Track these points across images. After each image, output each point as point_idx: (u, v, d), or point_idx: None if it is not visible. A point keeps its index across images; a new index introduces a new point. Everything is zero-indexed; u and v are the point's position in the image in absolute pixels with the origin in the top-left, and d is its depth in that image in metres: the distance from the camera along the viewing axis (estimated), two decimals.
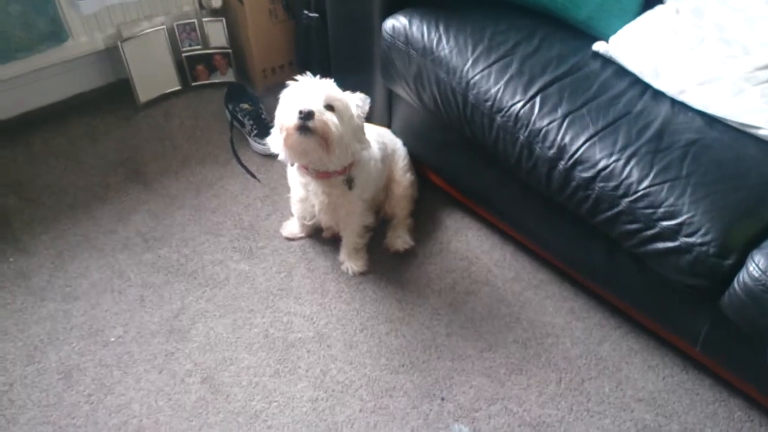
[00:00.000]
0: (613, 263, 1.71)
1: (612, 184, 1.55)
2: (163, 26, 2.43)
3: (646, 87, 1.72)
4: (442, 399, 1.74)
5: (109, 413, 1.68)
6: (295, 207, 2.00)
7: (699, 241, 1.44)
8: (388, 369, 1.80)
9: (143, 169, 2.28)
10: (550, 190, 1.68)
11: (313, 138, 1.60)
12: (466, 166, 2.00)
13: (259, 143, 2.29)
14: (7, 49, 2.13)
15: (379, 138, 1.96)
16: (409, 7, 1.90)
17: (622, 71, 1.76)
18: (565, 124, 1.63)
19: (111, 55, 2.43)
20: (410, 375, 1.79)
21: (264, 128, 2.30)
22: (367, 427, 1.68)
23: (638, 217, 1.52)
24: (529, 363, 1.82)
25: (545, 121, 1.65)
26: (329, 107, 1.61)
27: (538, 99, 1.68)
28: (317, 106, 1.59)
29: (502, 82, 1.72)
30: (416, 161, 2.14)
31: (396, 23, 1.88)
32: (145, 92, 2.48)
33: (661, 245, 1.51)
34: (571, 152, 1.60)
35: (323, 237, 2.09)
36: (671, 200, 1.48)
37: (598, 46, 1.79)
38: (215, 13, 2.52)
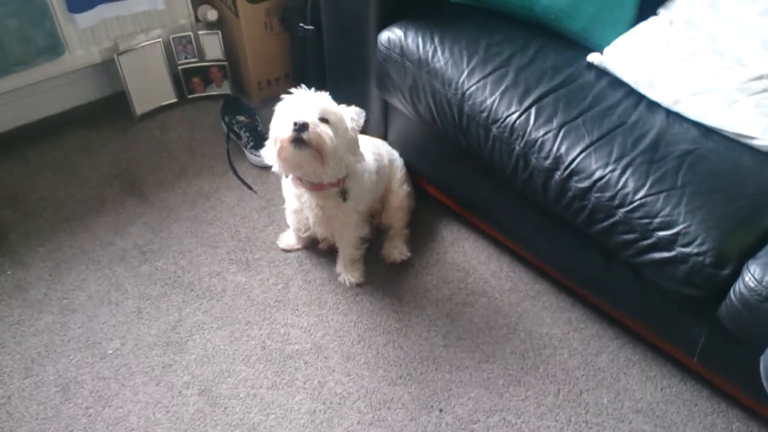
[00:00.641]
0: (610, 273, 1.71)
1: (608, 194, 1.55)
2: (159, 39, 2.44)
3: (640, 98, 1.73)
4: (440, 411, 1.74)
5: (106, 426, 1.68)
6: (290, 219, 2.00)
7: (695, 251, 1.45)
8: (386, 381, 1.79)
9: (140, 182, 2.28)
10: (546, 200, 1.69)
11: (307, 150, 1.61)
12: (462, 177, 2.01)
13: (256, 155, 2.30)
14: (5, 62, 2.14)
15: (375, 149, 1.96)
16: (404, 20, 1.91)
17: (616, 82, 1.76)
18: (560, 134, 1.64)
19: (107, 68, 2.44)
20: (408, 387, 1.78)
21: (260, 140, 2.30)
22: None
23: (634, 227, 1.52)
24: (527, 374, 1.82)
25: (541, 132, 1.65)
26: (324, 120, 1.62)
27: (533, 110, 1.68)
28: (312, 119, 1.59)
29: (497, 93, 1.73)
30: (412, 172, 2.15)
31: (391, 35, 1.88)
32: (141, 105, 2.49)
33: (657, 255, 1.51)
34: (566, 163, 1.61)
35: (320, 248, 2.09)
36: (667, 210, 1.49)
37: (593, 57, 1.80)
38: (211, 26, 2.52)
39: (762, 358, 1.36)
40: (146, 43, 2.42)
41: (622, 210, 1.53)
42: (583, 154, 1.60)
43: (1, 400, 1.72)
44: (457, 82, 1.77)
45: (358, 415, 1.72)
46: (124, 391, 1.75)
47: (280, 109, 1.67)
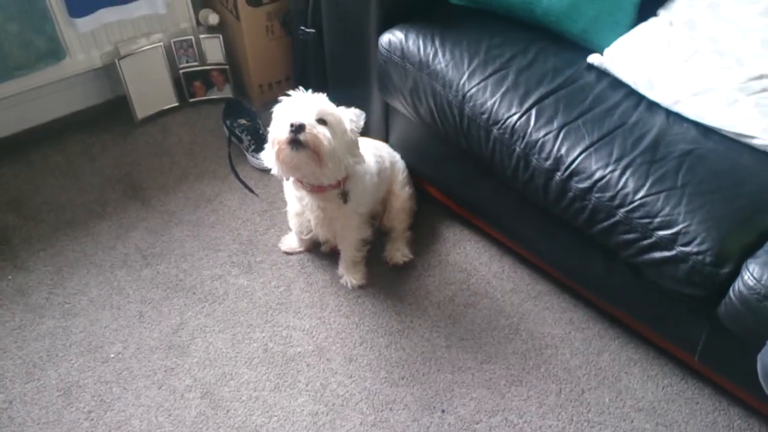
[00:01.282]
0: (611, 273, 1.72)
1: (608, 194, 1.55)
2: (161, 43, 2.44)
3: (640, 98, 1.73)
4: (443, 411, 1.74)
5: (108, 430, 1.68)
6: (292, 221, 2.00)
7: (695, 250, 1.45)
8: (388, 382, 1.80)
9: (141, 186, 2.28)
10: (546, 201, 1.69)
11: (304, 152, 1.61)
12: (463, 179, 2.01)
13: (257, 158, 2.30)
14: (5, 67, 2.14)
15: (377, 152, 1.96)
16: (405, 22, 1.91)
17: (616, 83, 1.77)
18: (561, 135, 1.64)
19: (108, 72, 2.45)
20: (410, 388, 1.79)
21: (262, 143, 2.30)
22: None
23: (635, 227, 1.53)
24: (529, 374, 1.82)
25: (541, 133, 1.66)
26: (322, 121, 1.62)
27: (534, 111, 1.69)
28: (309, 120, 1.59)
29: (498, 95, 1.73)
30: (414, 174, 2.15)
31: (392, 38, 1.89)
32: (142, 109, 2.50)
33: (657, 255, 1.51)
34: (567, 163, 1.61)
35: (322, 251, 2.10)
36: (667, 210, 1.49)
37: (593, 59, 1.81)
38: (212, 29, 2.53)
39: (759, 356, 1.36)
40: (147, 47, 2.42)
41: (623, 210, 1.54)
42: (583, 155, 1.60)
43: (2, 405, 1.72)
44: (458, 84, 1.78)
45: (361, 417, 1.72)
46: (126, 395, 1.75)
47: (278, 111, 1.67)
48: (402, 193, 2.07)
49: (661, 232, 1.49)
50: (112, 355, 1.83)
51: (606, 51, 1.79)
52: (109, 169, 2.34)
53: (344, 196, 1.79)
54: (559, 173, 1.62)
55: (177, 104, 2.57)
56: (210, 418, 1.71)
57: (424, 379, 1.80)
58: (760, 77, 1.64)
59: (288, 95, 1.67)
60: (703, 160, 1.57)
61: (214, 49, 2.54)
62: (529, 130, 1.67)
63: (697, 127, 1.65)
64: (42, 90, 2.33)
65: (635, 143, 1.61)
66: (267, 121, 1.70)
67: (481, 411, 1.75)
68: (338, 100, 1.70)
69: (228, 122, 2.43)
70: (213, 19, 2.49)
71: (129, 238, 2.12)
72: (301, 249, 2.10)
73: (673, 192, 1.51)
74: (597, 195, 1.57)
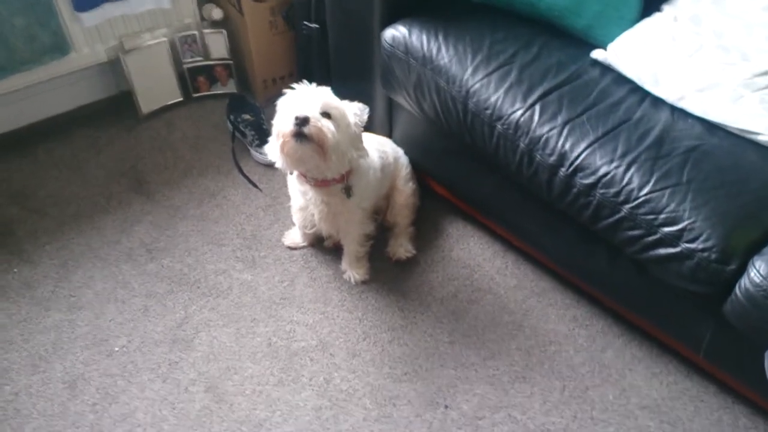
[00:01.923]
0: (615, 270, 1.72)
1: (613, 190, 1.55)
2: (165, 38, 2.45)
3: (645, 94, 1.72)
4: (446, 407, 1.74)
5: (113, 422, 1.69)
6: (296, 216, 2.00)
7: (700, 246, 1.45)
8: (392, 377, 1.80)
9: (146, 180, 2.29)
10: (551, 197, 1.69)
11: (308, 145, 1.61)
12: (467, 174, 2.01)
13: (261, 153, 2.30)
14: (11, 61, 2.15)
15: (380, 147, 1.96)
16: (408, 17, 1.91)
17: (621, 78, 1.76)
18: (565, 131, 1.64)
19: (113, 67, 2.45)
20: (413, 383, 1.79)
21: (265, 138, 2.28)
22: None
23: (639, 223, 1.52)
24: (533, 371, 1.82)
25: (545, 129, 1.65)
26: (326, 114, 1.62)
27: (537, 107, 1.68)
28: (313, 113, 1.59)
29: (501, 90, 1.73)
30: (417, 170, 2.15)
31: (396, 33, 1.89)
32: (147, 104, 2.50)
33: (662, 251, 1.51)
34: (571, 159, 1.61)
35: (325, 246, 2.10)
36: (672, 206, 1.49)
37: (597, 54, 1.80)
38: (216, 24, 2.53)
39: (766, 353, 1.35)
40: (152, 42, 2.42)
41: (627, 206, 1.53)
42: (587, 151, 1.60)
43: (8, 397, 1.73)
44: (462, 79, 1.77)
45: (364, 412, 1.73)
46: (130, 388, 1.76)
47: (282, 104, 1.67)
48: (405, 189, 2.06)
49: (666, 229, 1.49)
50: (117, 349, 1.84)
51: (610, 46, 1.78)
52: (114, 164, 2.35)
53: (348, 191, 1.79)
54: (563, 169, 1.62)
55: (181, 99, 2.57)
56: (214, 412, 1.71)
57: (427, 374, 1.81)
58: (766, 73, 1.64)
59: (292, 88, 1.67)
60: (708, 156, 1.56)
61: (218, 45, 2.54)
62: (533, 126, 1.67)
63: (702, 123, 1.65)
64: (47, 84, 2.33)
65: (640, 139, 1.60)
66: (271, 116, 1.70)
67: (484, 407, 1.75)
68: (341, 95, 1.70)
69: (232, 117, 2.43)
70: (217, 14, 2.49)
71: (134, 232, 2.13)
72: (305, 244, 2.10)
73: (678, 188, 1.50)
74: (601, 191, 1.57)
